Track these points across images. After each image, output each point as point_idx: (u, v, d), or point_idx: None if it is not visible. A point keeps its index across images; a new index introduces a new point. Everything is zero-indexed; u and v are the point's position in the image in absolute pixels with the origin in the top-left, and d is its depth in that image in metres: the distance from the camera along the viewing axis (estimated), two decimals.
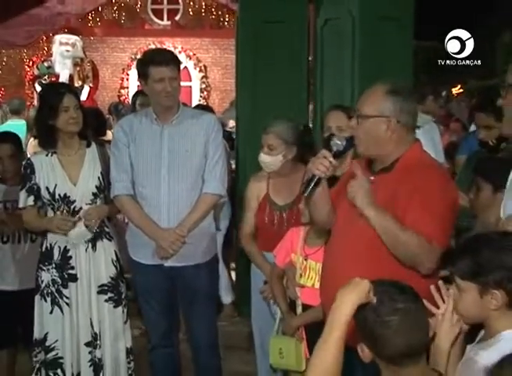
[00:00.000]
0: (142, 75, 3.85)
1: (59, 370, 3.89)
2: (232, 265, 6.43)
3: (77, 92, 4.16)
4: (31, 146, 5.95)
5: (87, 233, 3.88)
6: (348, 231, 2.91)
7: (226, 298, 5.98)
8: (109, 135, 6.24)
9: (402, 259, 2.77)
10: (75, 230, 3.85)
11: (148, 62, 3.82)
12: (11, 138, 4.47)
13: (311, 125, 5.87)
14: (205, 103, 15.35)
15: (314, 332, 3.45)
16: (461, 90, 17.71)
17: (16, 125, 7.47)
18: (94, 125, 5.32)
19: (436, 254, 2.76)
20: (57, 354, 3.88)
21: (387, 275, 2.48)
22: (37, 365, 3.94)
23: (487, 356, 2.14)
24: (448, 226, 2.86)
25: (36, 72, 15.76)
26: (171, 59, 3.82)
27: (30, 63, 17.14)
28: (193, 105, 11.39)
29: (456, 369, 2.27)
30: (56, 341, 3.88)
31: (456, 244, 2.36)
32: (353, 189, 2.83)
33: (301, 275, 3.68)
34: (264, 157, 4.03)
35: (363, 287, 2.06)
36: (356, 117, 2.92)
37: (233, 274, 6.23)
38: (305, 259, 3.67)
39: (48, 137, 3.92)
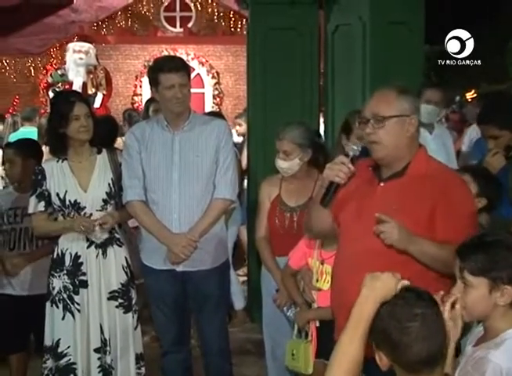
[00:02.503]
0: (153, 82, 3.87)
1: None
2: (244, 270, 6.44)
3: (87, 100, 4.15)
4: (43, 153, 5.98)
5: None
6: (361, 238, 2.88)
7: (238, 303, 5.99)
8: (119, 142, 6.26)
9: (440, 272, 2.78)
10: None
11: (158, 69, 3.84)
12: (19, 144, 4.58)
13: (323, 130, 5.89)
14: (218, 110, 15.39)
15: (325, 333, 3.49)
16: (475, 95, 17.64)
17: (28, 132, 7.52)
18: (108, 133, 5.36)
19: None
20: (70, 360, 3.88)
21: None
22: (46, 371, 3.94)
23: (499, 355, 2.17)
24: (475, 231, 2.87)
25: (50, 80, 15.84)
26: (181, 66, 3.84)
27: (44, 71, 17.26)
28: (206, 111, 11.43)
29: (460, 369, 2.27)
30: (68, 347, 3.88)
31: (466, 241, 2.37)
32: (387, 235, 2.73)
33: (317, 279, 3.71)
34: (280, 163, 4.05)
35: (391, 285, 2.07)
36: (375, 121, 2.85)
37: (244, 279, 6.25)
38: (322, 263, 3.70)
39: (58, 145, 3.94)
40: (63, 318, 3.89)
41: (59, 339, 3.90)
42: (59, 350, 3.89)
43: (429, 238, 2.78)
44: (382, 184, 2.93)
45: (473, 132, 6.76)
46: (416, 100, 2.94)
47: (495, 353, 2.18)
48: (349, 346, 2.04)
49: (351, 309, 2.70)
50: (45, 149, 4.58)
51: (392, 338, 2.03)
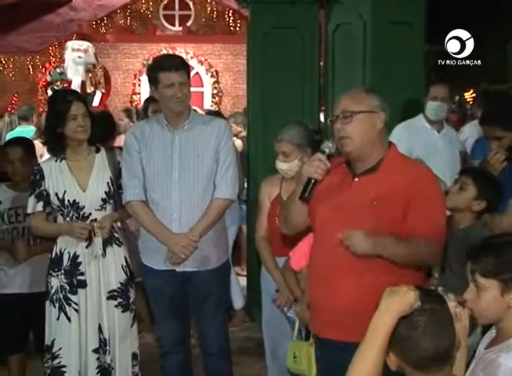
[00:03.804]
0: (153, 81, 3.84)
1: None
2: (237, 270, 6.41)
3: (85, 99, 4.11)
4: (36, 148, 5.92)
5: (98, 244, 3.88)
6: (337, 232, 2.95)
7: (238, 303, 5.97)
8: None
9: (415, 265, 2.99)
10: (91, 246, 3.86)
11: (157, 68, 3.82)
12: (22, 142, 4.52)
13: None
14: (217, 109, 15.38)
15: None
16: (474, 94, 17.64)
17: (24, 131, 7.50)
18: (104, 129, 5.31)
19: (440, 251, 3.04)
20: (60, 362, 3.86)
21: (383, 276, 2.80)
22: (48, 371, 3.92)
23: (510, 357, 2.15)
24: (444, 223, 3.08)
25: (48, 78, 15.87)
26: (180, 65, 3.81)
27: (43, 69, 17.25)
28: (204, 110, 11.41)
29: (469, 372, 2.26)
30: (60, 349, 3.86)
31: (477, 244, 2.38)
32: (356, 248, 2.87)
33: None
34: (281, 165, 4.04)
35: (409, 299, 2.05)
36: (343, 117, 2.98)
37: (244, 279, 6.24)
38: None
39: (56, 144, 3.92)
40: (58, 318, 3.87)
41: (54, 339, 3.89)
42: (53, 350, 3.88)
43: (403, 231, 2.90)
44: (357, 179, 3.03)
45: (466, 133, 6.75)
46: (383, 100, 3.06)
47: (506, 356, 2.16)
48: (366, 357, 2.02)
49: (336, 300, 2.89)
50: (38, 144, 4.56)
51: (400, 333, 2.03)
